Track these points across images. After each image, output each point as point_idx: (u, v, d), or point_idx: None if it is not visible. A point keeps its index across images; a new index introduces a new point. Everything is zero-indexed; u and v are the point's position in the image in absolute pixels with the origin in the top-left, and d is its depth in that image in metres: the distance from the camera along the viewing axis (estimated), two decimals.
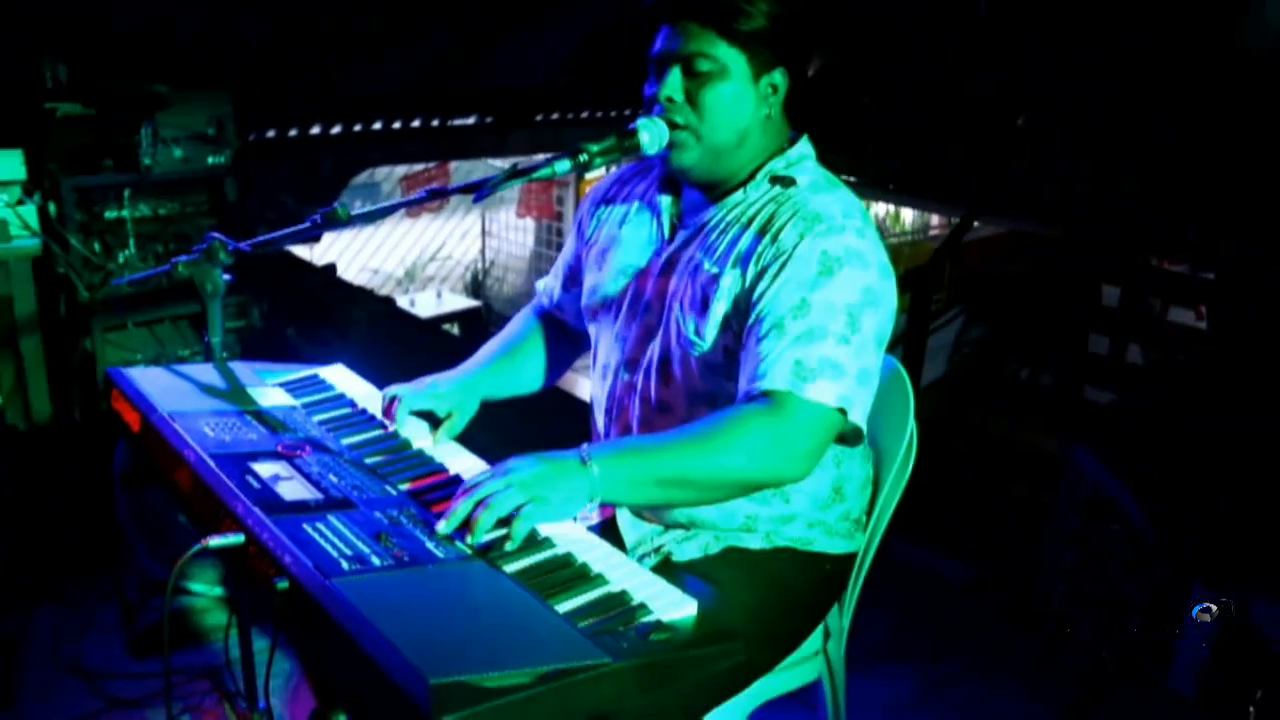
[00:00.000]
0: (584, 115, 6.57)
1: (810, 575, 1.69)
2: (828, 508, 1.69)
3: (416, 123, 5.80)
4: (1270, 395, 3.23)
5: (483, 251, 8.33)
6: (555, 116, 6.44)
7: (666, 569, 1.61)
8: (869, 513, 1.79)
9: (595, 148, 1.55)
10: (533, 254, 8.26)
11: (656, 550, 1.66)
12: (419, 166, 7.17)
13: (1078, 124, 5.27)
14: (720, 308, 1.57)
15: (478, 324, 7.75)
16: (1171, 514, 2.89)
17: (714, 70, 1.56)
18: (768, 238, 1.55)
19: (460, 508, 1.32)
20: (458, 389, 1.76)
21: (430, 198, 1.63)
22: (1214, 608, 1.86)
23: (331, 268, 4.70)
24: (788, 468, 1.47)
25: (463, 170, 7.69)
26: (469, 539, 1.30)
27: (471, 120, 6.06)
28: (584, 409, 1.90)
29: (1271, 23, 4.73)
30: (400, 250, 7.82)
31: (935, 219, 8.72)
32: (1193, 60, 4.84)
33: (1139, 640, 2.88)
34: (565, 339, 2.00)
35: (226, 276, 1.81)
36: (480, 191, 1.51)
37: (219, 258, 1.78)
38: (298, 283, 4.23)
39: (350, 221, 1.67)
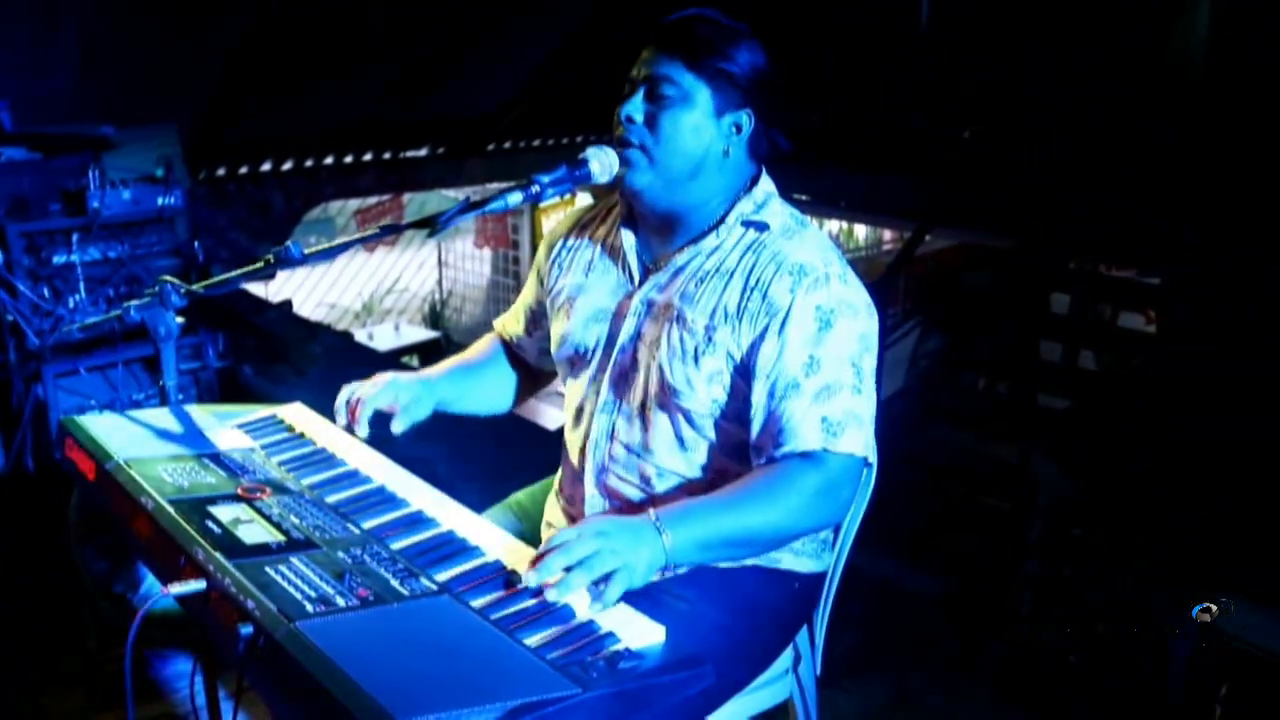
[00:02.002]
0: (535, 143, 6.61)
1: (778, 593, 1.70)
2: None
3: (368, 156, 5.80)
4: (1225, 397, 3.30)
5: (440, 282, 8.33)
6: (508, 145, 6.47)
7: (635, 591, 1.61)
8: (835, 532, 1.81)
9: (546, 178, 1.57)
10: (490, 283, 8.27)
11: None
12: (372, 200, 7.17)
13: (1025, 136, 5.38)
14: (713, 362, 1.60)
15: (437, 355, 7.73)
16: (1134, 518, 2.94)
17: (675, 96, 1.58)
18: (756, 293, 1.58)
19: (553, 563, 1.32)
20: (416, 384, 1.77)
21: (384, 234, 1.63)
22: (1214, 608, 1.91)
23: (287, 304, 4.68)
24: (832, 517, 1.61)
25: (416, 201, 7.69)
26: (551, 594, 1.30)
27: (424, 151, 6.08)
28: (547, 436, 1.92)
29: (1198, 35, 4.87)
30: (357, 284, 7.81)
31: (888, 234, 8.84)
32: (1133, 71, 4.97)
33: (1106, 643, 2.92)
34: (525, 372, 2.01)
35: (179, 319, 1.80)
36: (437, 227, 1.51)
37: (171, 301, 1.76)
38: (253, 320, 4.20)
39: (304, 260, 1.66)
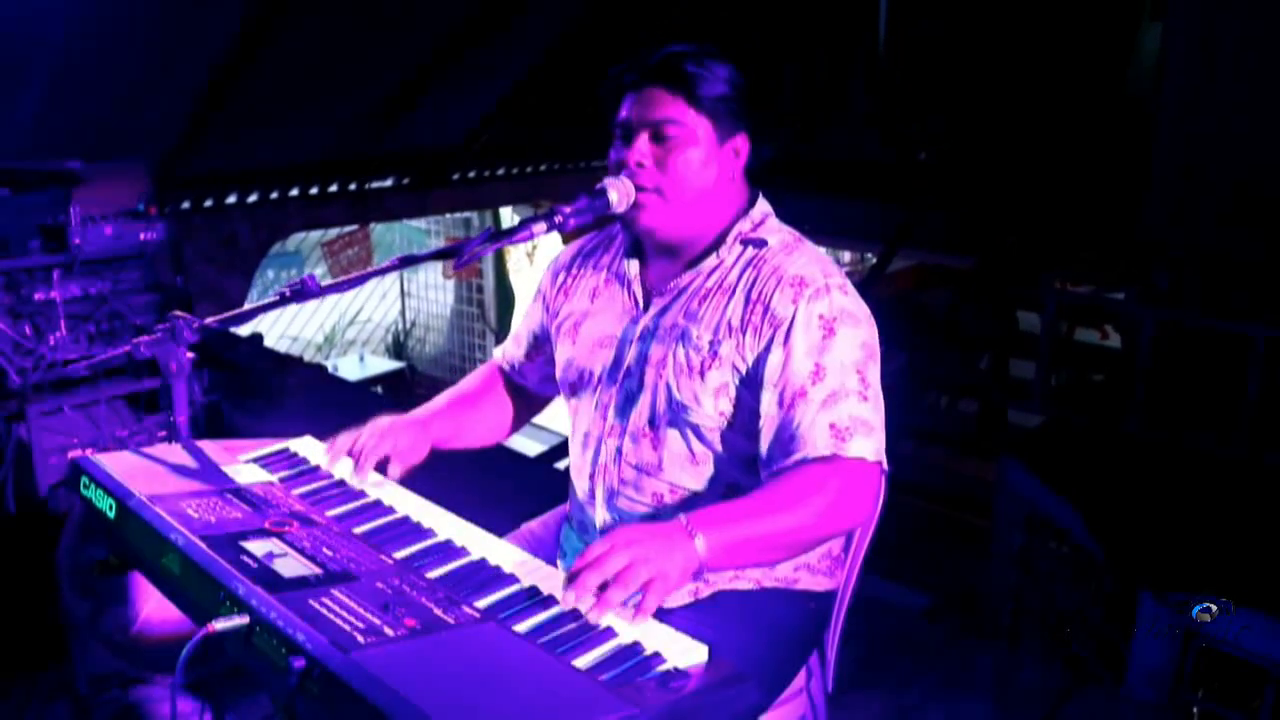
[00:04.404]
0: (500, 172, 6.63)
1: (797, 613, 1.73)
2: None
3: (334, 187, 5.78)
4: (1196, 406, 3.40)
5: (403, 312, 8.28)
6: (473, 175, 6.48)
7: (659, 616, 1.63)
8: (845, 550, 1.84)
9: (568, 208, 1.59)
10: (454, 312, 8.25)
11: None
12: (333, 231, 7.13)
13: (983, 157, 5.50)
14: (718, 375, 1.63)
15: (402, 386, 7.68)
16: (1114, 526, 3.01)
17: (682, 136, 1.62)
18: (758, 306, 1.62)
19: (589, 581, 1.32)
20: (412, 428, 1.80)
21: (403, 264, 1.64)
22: (1214, 608, 1.97)
23: (258, 337, 4.63)
24: (855, 521, 1.61)
25: (378, 231, 7.67)
26: (592, 615, 1.30)
27: (389, 182, 6.07)
28: (529, 464, 1.93)
29: (1146, 65, 5.03)
30: (319, 316, 7.74)
31: (847, 255, 8.97)
32: (1085, 100, 5.12)
33: (1089, 649, 2.98)
34: (523, 399, 2.04)
35: (190, 355, 1.79)
36: (460, 258, 1.53)
37: (183, 336, 1.75)
38: (227, 355, 4.16)
39: (322, 291, 1.67)
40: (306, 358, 7.62)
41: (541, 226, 1.57)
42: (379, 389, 7.48)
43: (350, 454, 1.74)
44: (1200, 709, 2.76)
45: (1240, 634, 2.63)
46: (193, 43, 4.39)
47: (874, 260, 6.09)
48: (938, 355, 5.54)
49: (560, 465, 4.69)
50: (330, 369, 7.35)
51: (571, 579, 1.34)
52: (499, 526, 2.02)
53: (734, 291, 1.66)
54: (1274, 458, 3.24)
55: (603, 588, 1.32)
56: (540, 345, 1.96)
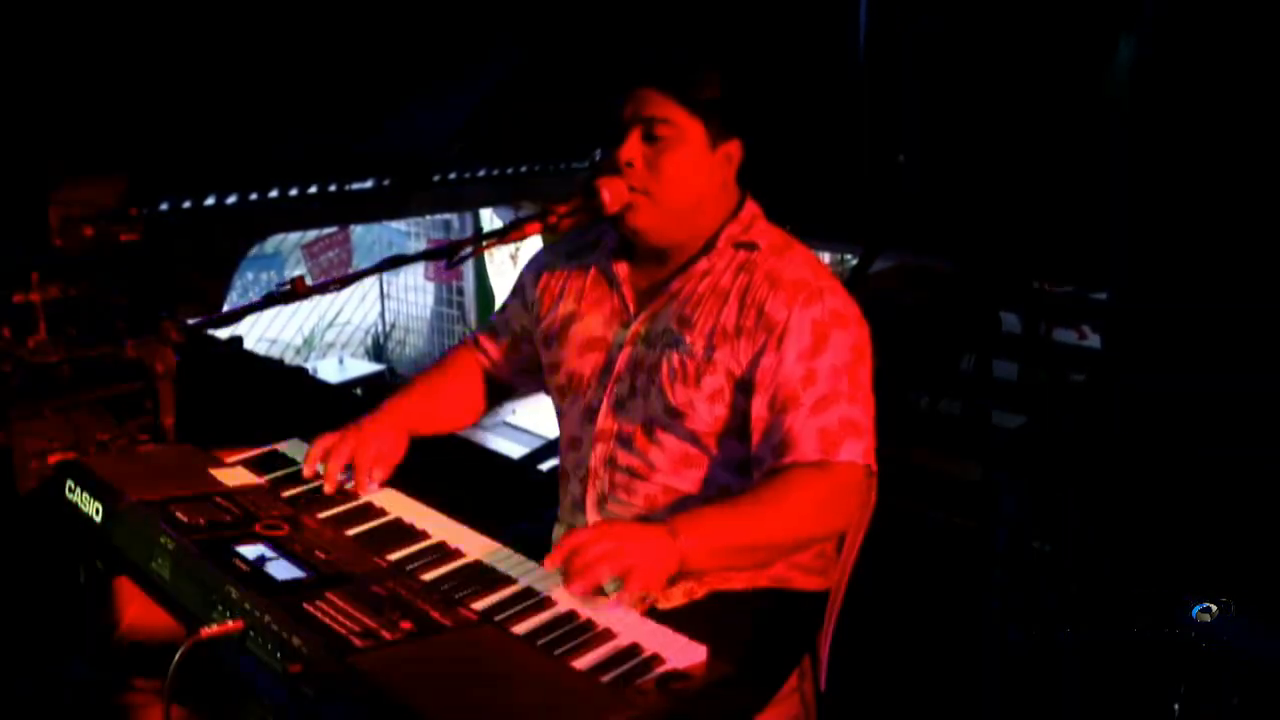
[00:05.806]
0: (481, 174, 6.60)
1: (791, 613, 1.73)
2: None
3: (314, 189, 5.74)
4: (1180, 409, 3.42)
5: (382, 315, 8.23)
6: (453, 176, 6.45)
7: (653, 618, 1.62)
8: (839, 550, 1.84)
9: (562, 209, 1.59)
10: (434, 314, 8.21)
11: (642, 599, 1.67)
12: (313, 234, 7.09)
13: (959, 160, 5.53)
14: (713, 380, 1.63)
15: (382, 388, 7.64)
16: (1098, 525, 3.02)
17: (672, 136, 1.61)
18: (752, 309, 1.63)
19: (569, 546, 1.36)
20: (389, 430, 1.76)
21: (391, 265, 1.63)
22: (1214, 607, 1.98)
23: (238, 340, 4.59)
24: (839, 524, 1.63)
25: (358, 234, 7.63)
26: (576, 586, 1.34)
27: (369, 184, 6.03)
28: (515, 466, 1.92)
29: (1121, 68, 5.07)
30: (298, 318, 7.67)
31: (826, 256, 9.01)
32: (1062, 103, 5.15)
33: (1077, 648, 2.99)
34: (496, 384, 2.03)
35: (176, 356, 1.77)
36: (450, 259, 1.52)
37: (170, 337, 1.74)
38: (205, 358, 4.12)
39: (308, 293, 1.66)
40: (286, 360, 7.57)
41: (535, 226, 1.57)
42: (359, 391, 7.43)
43: (328, 458, 1.69)
44: (1181, 705, 2.78)
45: (1228, 632, 2.65)
46: (174, 43, 4.35)
47: (854, 262, 6.11)
48: (919, 356, 5.56)
49: (544, 467, 4.68)
50: (310, 371, 7.31)
51: (557, 553, 1.37)
52: (487, 529, 2.02)
53: (727, 296, 1.66)
54: (1260, 457, 3.27)
55: None
56: (518, 345, 1.95)
